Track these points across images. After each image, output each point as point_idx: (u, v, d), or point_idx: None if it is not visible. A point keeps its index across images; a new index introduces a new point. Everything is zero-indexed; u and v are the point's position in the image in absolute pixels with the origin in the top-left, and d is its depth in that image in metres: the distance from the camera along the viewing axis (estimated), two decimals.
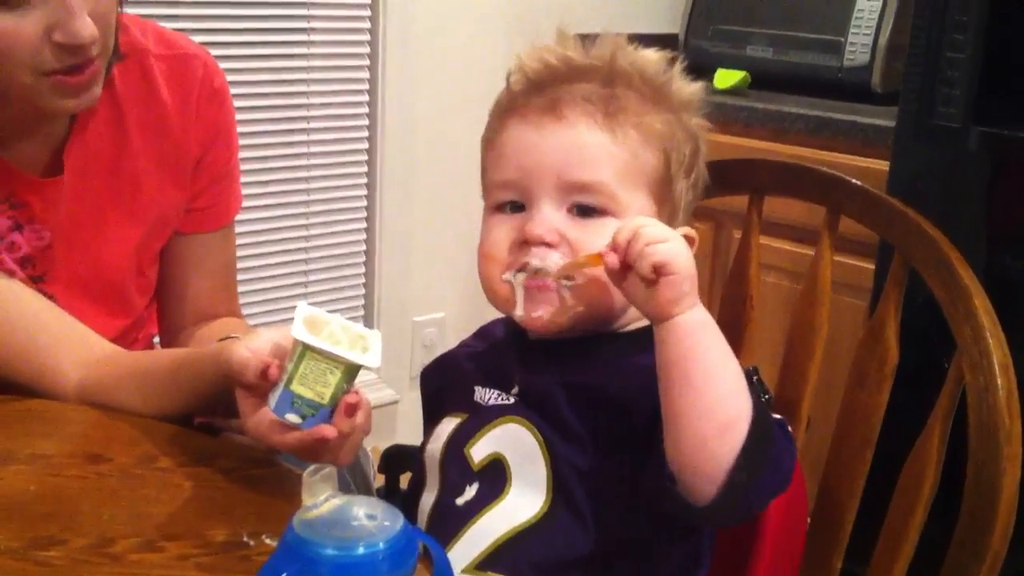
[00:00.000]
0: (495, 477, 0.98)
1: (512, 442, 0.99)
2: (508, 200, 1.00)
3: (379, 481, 1.30)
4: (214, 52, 1.41)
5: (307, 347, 0.91)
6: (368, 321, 2.81)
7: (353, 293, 2.80)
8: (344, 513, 0.72)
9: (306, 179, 2.64)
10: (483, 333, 1.12)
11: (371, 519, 0.72)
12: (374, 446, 1.29)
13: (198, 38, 1.44)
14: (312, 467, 0.74)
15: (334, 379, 0.92)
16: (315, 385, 0.92)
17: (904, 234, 1.16)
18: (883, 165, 2.07)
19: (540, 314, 0.98)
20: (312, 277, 2.71)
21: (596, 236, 0.95)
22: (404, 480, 1.18)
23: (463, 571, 0.96)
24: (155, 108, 1.32)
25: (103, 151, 1.30)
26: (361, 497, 0.74)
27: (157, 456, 1.04)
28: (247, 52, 2.48)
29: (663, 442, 0.89)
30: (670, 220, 1.02)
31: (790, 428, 1.23)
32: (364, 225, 2.77)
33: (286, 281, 2.67)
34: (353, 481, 1.21)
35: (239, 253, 1.53)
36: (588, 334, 1.01)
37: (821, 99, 2.50)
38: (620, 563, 0.96)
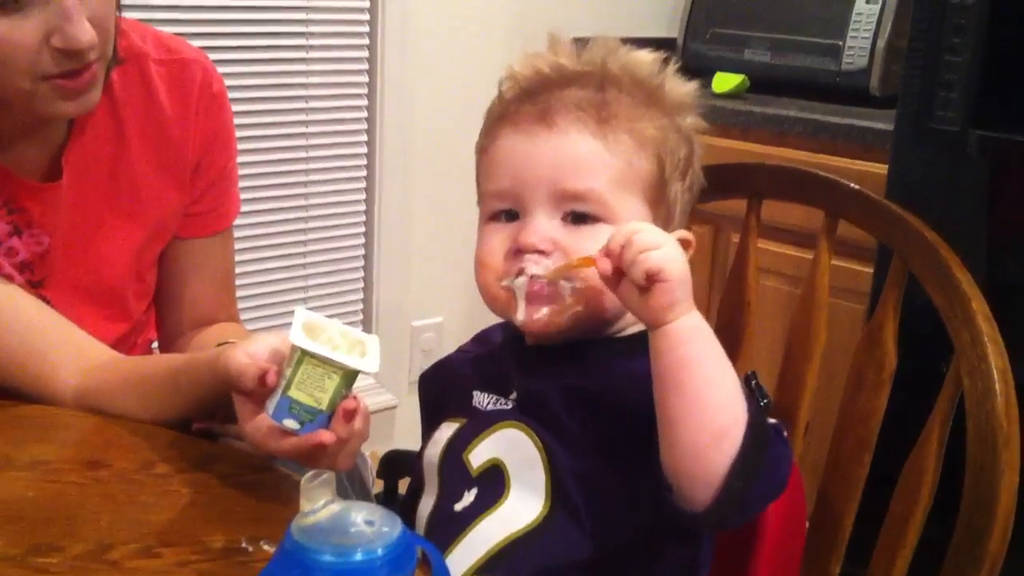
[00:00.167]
0: (494, 482, 0.98)
1: (511, 447, 0.99)
2: (503, 209, 1.00)
3: (377, 486, 1.30)
4: (213, 57, 1.41)
5: (305, 352, 0.91)
6: (367, 326, 2.81)
7: (352, 298, 2.80)
8: (342, 519, 0.72)
9: (305, 184, 2.64)
10: (481, 338, 1.12)
11: (369, 525, 0.72)
12: (372, 451, 1.29)
13: (197, 42, 1.44)
14: (310, 473, 0.74)
15: (332, 384, 0.92)
16: (313, 391, 0.92)
17: (902, 239, 1.16)
18: (882, 168, 2.07)
19: (540, 315, 0.97)
20: (311, 282, 2.71)
21: (590, 243, 0.95)
22: (403, 485, 1.18)
23: None
24: (154, 113, 1.32)
25: (102, 156, 1.30)
26: (359, 503, 0.74)
27: (155, 462, 1.04)
28: (246, 56, 2.48)
29: (659, 448, 0.89)
30: (666, 224, 1.02)
31: (787, 432, 1.23)
32: (363, 230, 2.77)
33: (285, 286, 2.67)
34: (351, 487, 1.21)
35: (238, 258, 1.53)
36: (586, 338, 1.00)
37: (819, 103, 2.50)
38: (619, 568, 0.96)
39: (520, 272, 0.97)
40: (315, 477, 0.73)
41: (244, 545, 0.89)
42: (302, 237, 2.67)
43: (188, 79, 1.35)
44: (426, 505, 1.03)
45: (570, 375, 0.98)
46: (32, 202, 1.26)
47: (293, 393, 0.92)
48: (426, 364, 1.15)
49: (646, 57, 1.04)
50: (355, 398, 0.95)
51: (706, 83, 2.68)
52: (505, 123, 1.01)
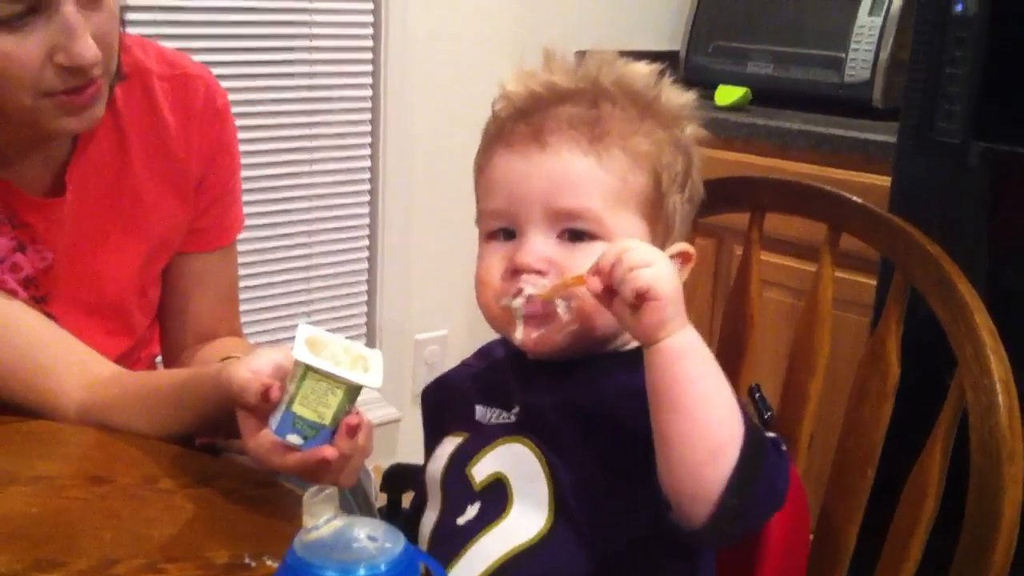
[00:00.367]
0: (497, 497, 0.98)
1: (514, 462, 0.98)
2: (500, 227, 1.00)
3: (381, 500, 1.30)
4: (216, 71, 1.42)
5: (308, 368, 0.91)
6: (370, 339, 2.81)
7: (355, 311, 2.80)
8: (345, 535, 0.72)
9: (308, 198, 2.65)
10: (483, 353, 1.12)
11: (372, 541, 0.71)
12: (376, 465, 1.29)
13: (200, 57, 1.44)
14: (313, 488, 0.74)
15: (335, 400, 0.92)
16: (316, 406, 0.92)
17: (905, 252, 1.16)
18: (884, 180, 2.07)
19: (536, 335, 0.98)
20: (314, 296, 2.71)
21: (586, 261, 0.94)
22: (407, 499, 1.18)
23: None
24: (157, 128, 1.33)
25: (105, 171, 1.30)
26: (362, 519, 0.74)
27: (159, 477, 1.04)
28: (249, 71, 2.48)
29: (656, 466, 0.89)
30: (665, 237, 1.02)
31: (790, 445, 1.23)
32: (366, 243, 2.77)
33: (288, 300, 2.67)
34: (355, 501, 1.21)
35: (241, 272, 1.53)
36: (588, 353, 1.00)
37: (822, 115, 2.50)
38: None
39: (518, 292, 0.97)
40: (318, 492, 0.73)
41: (247, 561, 0.89)
42: (306, 251, 2.68)
43: (191, 94, 1.35)
44: (429, 520, 1.03)
45: (571, 391, 0.98)
46: (36, 218, 1.26)
47: (296, 408, 0.92)
48: (429, 377, 1.15)
49: (642, 69, 1.03)
50: (358, 413, 0.95)
51: (709, 96, 2.68)
52: (500, 143, 1.01)
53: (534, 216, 0.98)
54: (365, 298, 2.80)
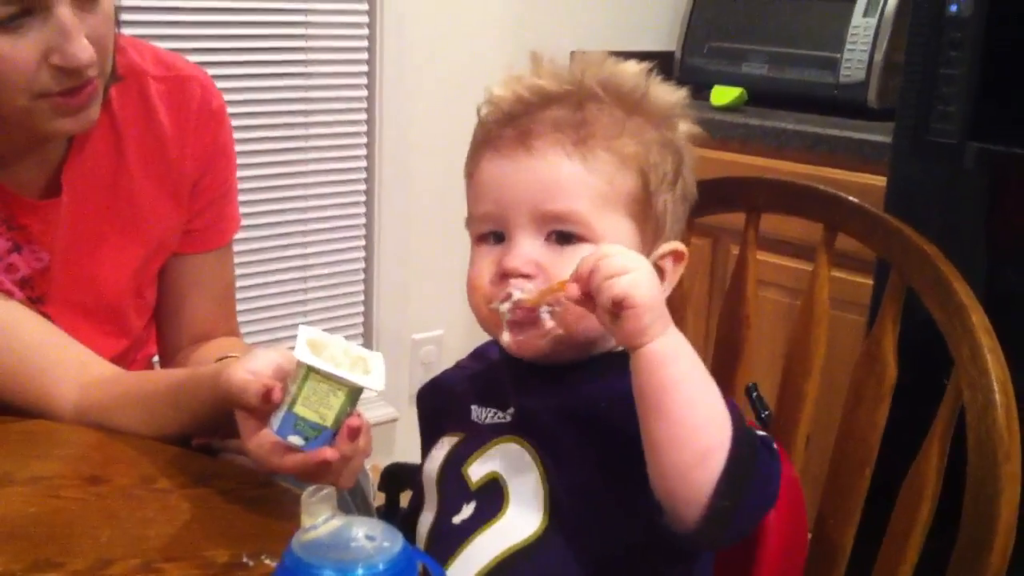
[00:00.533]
0: (492, 496, 0.98)
1: (509, 461, 0.99)
2: (489, 231, 1.01)
3: (379, 500, 1.30)
4: (212, 73, 1.42)
5: (311, 369, 0.91)
6: (367, 339, 2.81)
7: (352, 311, 2.80)
8: (343, 534, 0.72)
9: (304, 198, 2.65)
10: (479, 354, 1.12)
11: (370, 540, 0.71)
12: (373, 464, 1.30)
13: (196, 58, 1.44)
14: (311, 488, 0.74)
15: (337, 401, 0.92)
16: (318, 407, 0.92)
17: (901, 252, 1.16)
18: (880, 181, 2.08)
19: (523, 339, 0.98)
20: (311, 296, 2.71)
21: (573, 264, 0.95)
22: (404, 499, 1.18)
23: None
24: (153, 130, 1.32)
25: (101, 173, 1.30)
26: (360, 518, 0.74)
27: (156, 477, 1.04)
28: (245, 72, 2.48)
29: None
30: (655, 237, 1.02)
31: (787, 445, 1.23)
32: (363, 243, 2.77)
33: (285, 300, 2.67)
34: (353, 500, 1.21)
35: (238, 272, 1.53)
36: (582, 356, 1.00)
37: (818, 115, 2.51)
38: None
39: (506, 297, 0.97)
40: (316, 492, 0.73)
41: (245, 560, 0.89)
42: (302, 251, 2.68)
43: (187, 96, 1.35)
44: (426, 520, 1.03)
45: (564, 394, 0.98)
46: (31, 219, 1.26)
47: (298, 410, 0.92)
48: (426, 377, 1.15)
49: (629, 69, 1.03)
50: (359, 415, 0.95)
51: (704, 96, 2.69)
52: (487, 148, 1.01)
53: (521, 220, 0.98)
54: (362, 298, 2.80)
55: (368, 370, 0.94)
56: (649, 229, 1.01)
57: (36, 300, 1.28)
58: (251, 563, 0.88)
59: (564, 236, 0.98)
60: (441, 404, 1.09)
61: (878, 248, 1.20)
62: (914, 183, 1.99)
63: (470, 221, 1.03)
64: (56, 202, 1.27)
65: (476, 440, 1.02)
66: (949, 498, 1.09)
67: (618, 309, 0.87)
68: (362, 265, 2.79)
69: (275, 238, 2.62)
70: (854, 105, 2.50)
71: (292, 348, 0.93)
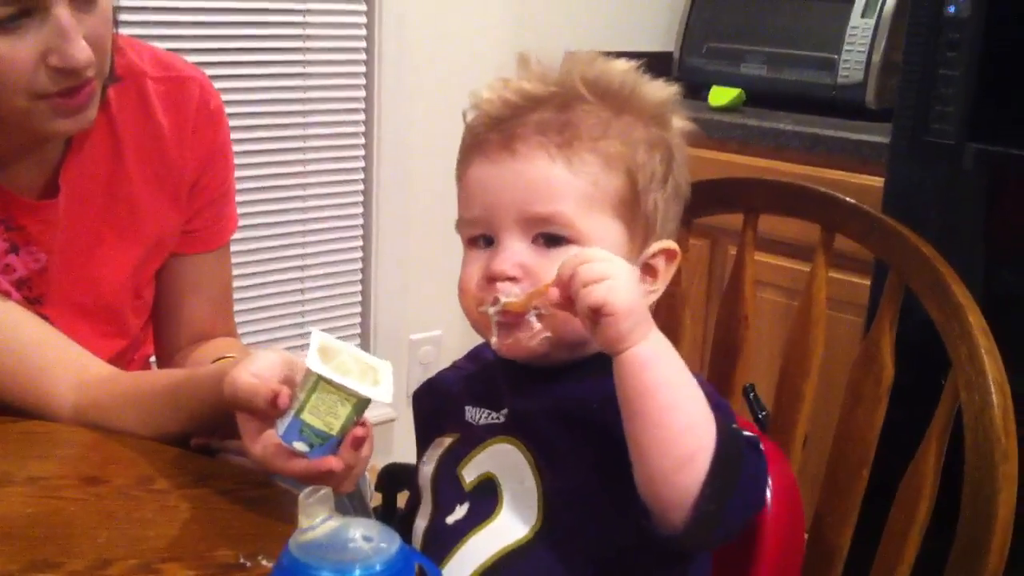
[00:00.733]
0: (486, 497, 0.98)
1: (503, 462, 0.99)
2: (478, 235, 1.01)
3: (376, 500, 1.30)
4: (210, 73, 1.42)
5: (321, 378, 0.91)
6: (365, 339, 2.81)
7: (350, 312, 2.80)
8: (341, 535, 0.72)
9: (302, 198, 2.65)
10: (474, 355, 1.12)
11: (367, 541, 0.72)
12: (371, 465, 1.29)
13: (194, 59, 1.44)
14: (309, 489, 0.74)
15: (345, 411, 0.92)
16: (325, 416, 0.92)
17: (899, 253, 1.16)
18: (878, 181, 2.08)
19: (511, 341, 0.98)
20: (308, 296, 2.71)
21: (558, 266, 0.95)
22: (401, 499, 1.18)
23: None
24: (151, 130, 1.32)
25: (99, 173, 1.30)
26: (358, 519, 0.74)
27: (154, 478, 1.04)
28: (244, 72, 2.48)
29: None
30: (645, 236, 1.01)
31: (785, 445, 1.23)
32: (360, 244, 2.77)
33: (283, 300, 2.67)
34: (350, 501, 1.21)
35: (236, 272, 1.53)
36: (575, 356, 1.00)
37: (816, 116, 2.51)
38: None
39: (495, 301, 0.97)
40: (313, 493, 0.73)
41: (242, 561, 0.89)
42: (300, 251, 2.68)
43: (185, 97, 1.35)
44: (421, 520, 1.03)
45: (557, 394, 0.98)
46: (29, 219, 1.26)
47: (305, 417, 0.92)
48: (424, 377, 1.15)
49: (617, 67, 1.03)
50: (365, 425, 0.95)
51: (703, 97, 2.69)
52: (475, 152, 1.02)
53: (508, 223, 0.98)
54: (359, 298, 2.80)
55: (377, 380, 0.94)
56: (639, 229, 1.01)
57: (34, 301, 1.28)
58: (249, 564, 0.88)
59: (551, 238, 0.98)
60: (436, 405, 1.09)
61: (876, 249, 1.20)
62: (912, 184, 1.99)
63: (460, 225, 1.03)
64: (54, 203, 1.27)
65: (470, 441, 1.02)
66: (947, 498, 1.09)
67: (596, 316, 0.87)
68: (360, 266, 2.79)
69: (273, 238, 2.62)
70: (852, 106, 2.50)
71: (289, 348, 0.93)
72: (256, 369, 0.96)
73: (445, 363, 1.17)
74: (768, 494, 1.05)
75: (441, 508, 1.01)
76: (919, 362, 1.27)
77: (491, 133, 1.00)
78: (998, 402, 1.02)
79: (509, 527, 0.96)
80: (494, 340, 0.98)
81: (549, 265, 0.96)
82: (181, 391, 1.12)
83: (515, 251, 0.98)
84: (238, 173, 1.47)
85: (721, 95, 2.65)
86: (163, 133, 1.33)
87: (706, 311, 2.41)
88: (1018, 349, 1.16)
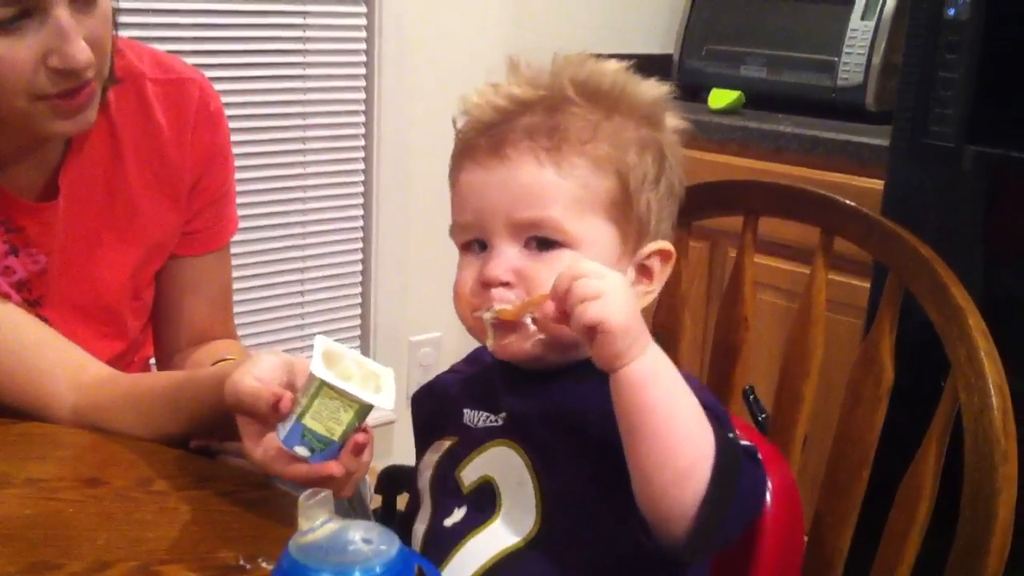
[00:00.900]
0: (485, 500, 0.98)
1: (501, 465, 0.99)
2: (471, 240, 1.01)
3: (376, 502, 1.30)
4: (210, 74, 1.42)
5: (324, 384, 0.91)
6: (365, 341, 2.81)
7: (349, 313, 2.80)
8: (340, 537, 0.72)
9: (302, 200, 2.65)
10: (473, 358, 1.12)
11: (367, 543, 0.71)
12: (371, 466, 1.29)
13: (194, 60, 1.44)
14: (308, 491, 0.74)
15: (347, 417, 0.92)
16: (328, 421, 0.92)
17: (898, 255, 1.16)
18: (878, 184, 2.08)
19: (507, 344, 0.98)
20: (308, 298, 2.71)
21: (551, 271, 0.95)
22: (401, 501, 1.18)
23: None
24: (151, 132, 1.32)
25: (98, 175, 1.30)
26: (358, 521, 0.74)
27: (153, 479, 1.04)
28: (243, 74, 2.48)
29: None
30: (639, 237, 1.01)
31: (785, 446, 1.23)
32: (360, 245, 2.77)
33: (283, 302, 2.67)
34: (350, 503, 1.21)
35: (236, 274, 1.53)
36: (569, 359, 1.00)
37: (815, 118, 2.51)
38: None
39: (489, 307, 0.97)
40: (313, 495, 0.74)
41: (242, 563, 0.89)
42: (299, 253, 2.68)
43: (185, 98, 1.35)
44: (421, 523, 1.03)
45: (555, 398, 0.98)
46: (29, 221, 1.26)
47: (307, 422, 0.92)
48: (424, 379, 1.15)
49: (607, 68, 1.02)
50: (366, 431, 0.95)
51: (702, 99, 2.69)
52: (465, 158, 1.02)
53: (499, 228, 0.98)
54: (359, 300, 2.80)
55: (379, 386, 0.94)
56: (631, 230, 1.01)
57: (33, 303, 1.28)
58: (248, 566, 0.88)
59: (543, 242, 0.98)
60: (435, 408, 1.09)
61: (875, 251, 1.20)
62: (912, 186, 2.00)
63: (453, 230, 1.03)
64: (53, 204, 1.27)
65: (469, 444, 1.02)
66: (946, 499, 1.09)
67: (592, 334, 0.87)
68: (360, 267, 2.79)
69: (273, 240, 2.62)
70: (852, 108, 2.50)
71: (289, 350, 0.93)
72: (258, 372, 0.96)
73: (445, 365, 1.17)
74: (767, 497, 1.06)
75: (440, 511, 1.01)
76: (918, 364, 1.27)
77: (481, 138, 1.00)
78: (997, 404, 1.02)
79: (507, 530, 0.96)
80: (490, 343, 0.99)
81: (542, 269, 0.96)
82: (181, 393, 1.12)
83: (508, 256, 0.98)
84: (238, 175, 1.47)
85: (721, 97, 2.65)
86: (163, 135, 1.33)
87: (706, 313, 2.41)
88: (1017, 351, 1.16)
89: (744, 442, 0.93)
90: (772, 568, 1.08)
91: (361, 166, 2.72)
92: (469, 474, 1.00)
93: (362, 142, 2.71)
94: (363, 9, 2.63)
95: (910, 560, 1.11)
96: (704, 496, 0.86)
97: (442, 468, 1.03)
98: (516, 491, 0.97)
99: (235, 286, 1.53)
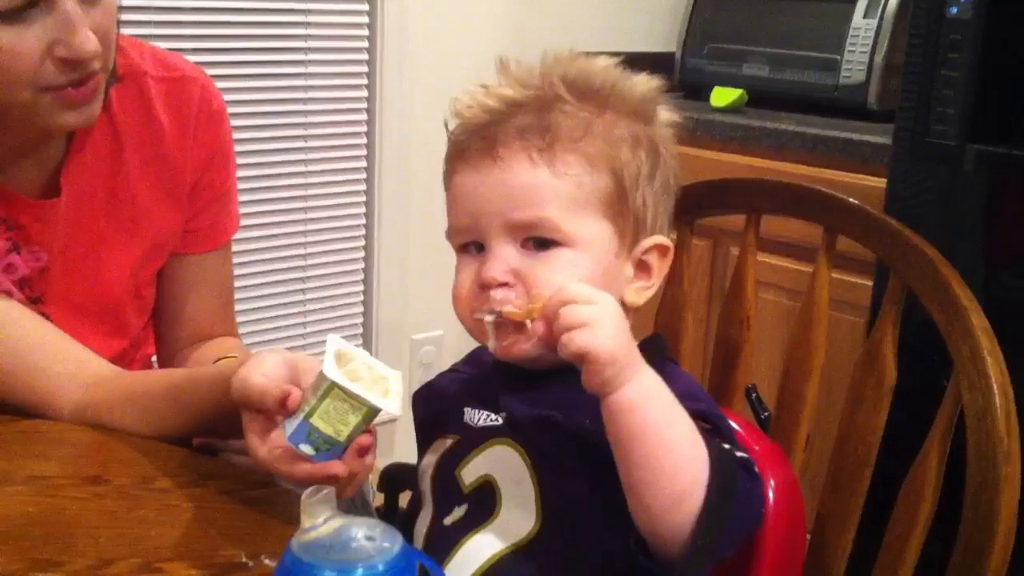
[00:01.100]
0: (485, 499, 0.98)
1: (501, 464, 0.98)
2: (468, 242, 1.01)
3: (378, 500, 1.30)
4: (212, 72, 1.42)
5: (335, 385, 0.91)
6: (367, 339, 2.81)
7: (351, 311, 2.80)
8: (343, 535, 0.72)
9: (304, 198, 2.65)
10: (472, 359, 1.12)
11: (370, 541, 0.71)
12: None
13: (196, 59, 1.44)
14: (311, 488, 0.74)
15: (354, 420, 0.92)
16: (335, 422, 0.92)
17: (901, 254, 1.16)
18: (880, 182, 2.08)
19: (508, 344, 0.98)
20: (310, 296, 2.71)
21: (549, 270, 0.95)
22: (404, 499, 1.18)
23: None
24: (152, 130, 1.32)
25: (100, 173, 1.30)
26: (360, 518, 0.74)
27: (155, 477, 1.04)
28: (245, 72, 2.48)
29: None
30: (636, 233, 1.01)
31: (787, 446, 1.23)
32: (362, 243, 2.77)
33: (284, 300, 2.67)
34: (352, 501, 1.21)
35: (237, 272, 1.53)
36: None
37: (818, 117, 2.51)
38: None
39: (489, 308, 0.97)
40: (316, 493, 0.74)
41: (244, 561, 0.89)
42: (301, 251, 2.68)
43: (187, 97, 1.35)
44: (422, 521, 1.03)
45: (553, 403, 0.98)
46: (30, 219, 1.26)
47: (315, 421, 0.92)
48: (426, 377, 1.15)
49: (597, 65, 1.02)
50: (371, 433, 0.95)
51: (704, 98, 2.69)
52: (458, 160, 1.02)
53: (495, 230, 0.98)
54: (361, 298, 2.80)
55: (388, 390, 0.94)
56: (628, 227, 1.01)
57: (35, 300, 1.28)
58: (251, 563, 0.88)
59: (540, 242, 0.98)
60: (435, 407, 1.09)
61: (878, 250, 1.20)
62: (914, 185, 1.99)
63: (449, 233, 1.03)
64: (55, 202, 1.27)
65: (469, 442, 1.02)
66: (949, 499, 1.09)
67: (579, 362, 0.87)
68: (362, 265, 2.78)
69: (275, 238, 2.61)
70: (854, 107, 2.50)
71: (290, 348, 0.93)
72: (265, 370, 0.96)
73: (447, 363, 1.17)
74: (768, 504, 1.05)
75: (440, 509, 1.01)
76: (921, 363, 1.26)
77: (473, 140, 1.00)
78: (1000, 403, 1.02)
79: (508, 529, 0.96)
80: (492, 344, 0.98)
81: (540, 268, 0.96)
82: (183, 391, 1.12)
83: (505, 257, 0.97)
84: (240, 173, 1.47)
85: (723, 96, 2.65)
86: (164, 133, 1.33)
87: (708, 312, 2.41)
88: (1020, 349, 1.15)
89: (740, 453, 0.93)
90: (774, 567, 1.08)
91: (363, 164, 2.72)
92: (469, 473, 1.00)
93: (364, 140, 2.71)
94: (365, 7, 2.63)
95: (912, 560, 1.11)
96: (700, 517, 0.86)
97: (443, 467, 1.03)
98: (515, 491, 0.97)
99: (237, 284, 1.53)
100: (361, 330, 2.82)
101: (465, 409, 1.04)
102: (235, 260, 1.51)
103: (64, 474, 1.06)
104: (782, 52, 2.67)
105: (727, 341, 1.33)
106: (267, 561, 0.88)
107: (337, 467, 0.93)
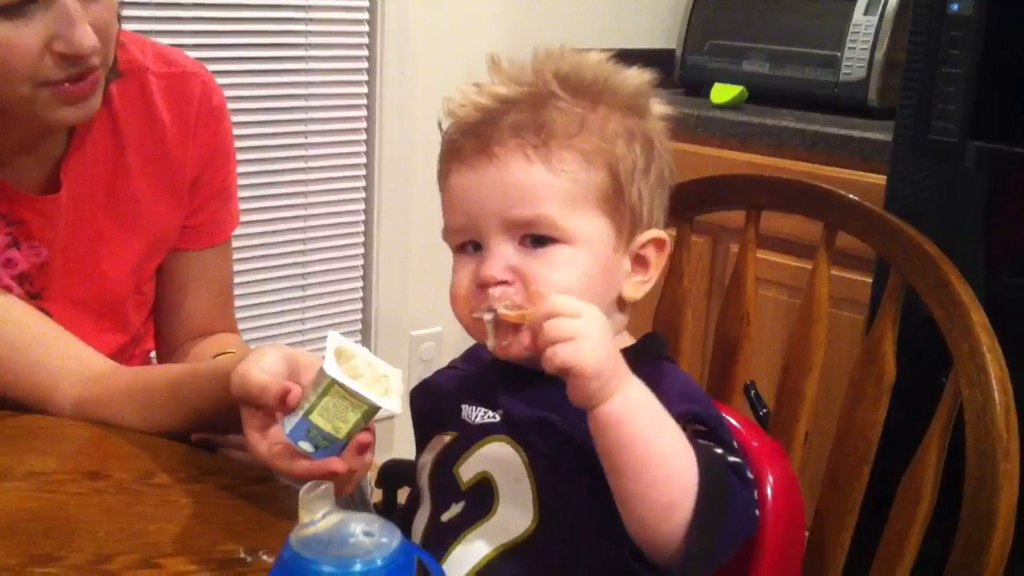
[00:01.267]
0: (483, 496, 0.98)
1: (499, 461, 0.98)
2: (465, 241, 1.01)
3: (376, 496, 1.30)
4: (212, 68, 1.41)
5: (335, 382, 0.91)
6: (366, 335, 2.81)
7: (351, 308, 2.80)
8: (341, 530, 0.72)
9: (304, 194, 2.65)
10: (470, 356, 1.12)
11: (368, 536, 0.72)
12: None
13: (197, 54, 1.44)
14: (309, 484, 0.74)
15: (354, 417, 0.92)
16: (334, 420, 0.92)
17: (901, 251, 1.16)
18: (881, 179, 2.07)
19: (507, 343, 0.97)
20: (310, 292, 2.71)
21: (548, 267, 0.95)
22: (402, 495, 1.18)
23: None
24: (153, 126, 1.32)
25: (100, 169, 1.30)
26: (359, 514, 0.74)
27: (155, 472, 1.04)
28: (246, 68, 2.48)
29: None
30: (632, 227, 1.01)
31: (786, 442, 1.23)
32: (362, 240, 2.77)
33: (284, 296, 2.67)
34: (350, 496, 1.21)
35: (237, 268, 1.53)
36: None
37: (818, 114, 2.51)
38: None
39: (488, 307, 0.97)
40: (314, 488, 0.74)
41: (243, 556, 0.89)
42: (301, 247, 2.68)
43: (188, 93, 1.35)
44: (420, 518, 1.03)
45: (550, 403, 0.97)
46: (30, 214, 1.26)
47: (314, 418, 0.92)
48: (425, 373, 1.15)
49: (589, 60, 1.02)
50: (370, 431, 0.95)
51: (705, 94, 2.69)
52: (453, 159, 1.02)
53: (492, 228, 0.98)
54: (360, 294, 2.80)
55: (388, 388, 0.94)
56: (625, 221, 1.01)
57: (35, 295, 1.28)
58: (249, 559, 0.88)
59: (538, 239, 0.98)
60: (433, 404, 1.09)
61: (878, 247, 1.20)
62: (914, 182, 1.99)
63: (446, 233, 1.03)
64: (55, 198, 1.27)
65: (467, 439, 1.02)
66: (948, 496, 1.09)
67: (564, 375, 0.86)
68: (361, 262, 2.78)
69: (274, 234, 2.61)
70: (854, 103, 2.50)
71: (289, 344, 0.93)
72: (265, 366, 0.96)
73: (446, 359, 1.17)
74: (765, 504, 1.05)
75: (438, 506, 1.01)
76: (921, 360, 1.26)
77: (468, 139, 1.00)
78: (1000, 400, 1.02)
79: (506, 526, 0.96)
80: (491, 343, 0.98)
81: (538, 265, 0.96)
82: (182, 386, 1.12)
83: (503, 255, 0.97)
84: (240, 169, 1.47)
85: (723, 92, 2.65)
86: (165, 129, 1.33)
87: (708, 308, 2.41)
88: (1020, 347, 1.15)
89: (732, 458, 0.93)
90: (773, 564, 1.08)
91: (363, 160, 2.72)
92: (467, 469, 1.00)
93: (364, 136, 2.71)
94: (365, 4, 2.63)
95: (911, 556, 1.11)
96: (692, 525, 0.86)
97: (440, 464, 1.03)
98: (513, 488, 0.97)
99: (236, 280, 1.53)
100: (360, 326, 2.82)
101: (463, 406, 1.04)
102: (235, 256, 1.51)
103: (63, 469, 1.06)
104: (782, 49, 2.67)
105: (727, 338, 1.33)
106: (266, 556, 0.88)
107: (337, 464, 0.93)
